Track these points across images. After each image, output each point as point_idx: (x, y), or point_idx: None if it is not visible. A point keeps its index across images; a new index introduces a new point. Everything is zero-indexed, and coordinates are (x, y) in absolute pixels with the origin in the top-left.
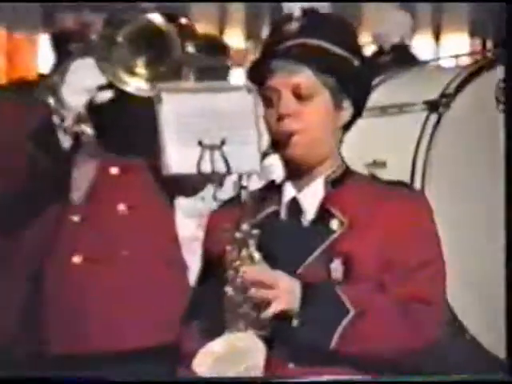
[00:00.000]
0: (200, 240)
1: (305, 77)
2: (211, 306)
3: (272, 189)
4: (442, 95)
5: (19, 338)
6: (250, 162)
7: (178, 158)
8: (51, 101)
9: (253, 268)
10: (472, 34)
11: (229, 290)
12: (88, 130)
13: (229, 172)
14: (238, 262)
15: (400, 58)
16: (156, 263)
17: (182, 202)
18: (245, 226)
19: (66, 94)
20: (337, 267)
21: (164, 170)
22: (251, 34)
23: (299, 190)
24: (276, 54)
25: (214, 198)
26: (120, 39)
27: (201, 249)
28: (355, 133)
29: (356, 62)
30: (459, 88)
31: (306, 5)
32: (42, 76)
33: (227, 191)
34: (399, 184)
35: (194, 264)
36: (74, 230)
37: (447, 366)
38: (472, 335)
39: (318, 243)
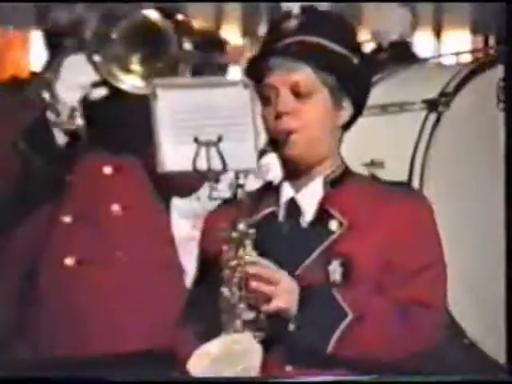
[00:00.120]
0: (196, 240)
1: (304, 74)
2: (207, 307)
3: (269, 190)
4: (442, 94)
5: (13, 339)
6: (247, 159)
7: (174, 155)
8: (46, 96)
9: (255, 263)
10: (474, 31)
11: (225, 290)
12: (82, 126)
13: (225, 169)
14: (234, 262)
15: (399, 55)
16: (151, 265)
17: (177, 203)
18: (241, 226)
19: (61, 89)
20: (335, 269)
21: (159, 167)
22: (248, 31)
23: (297, 190)
24: (274, 51)
25: (210, 196)
26: (115, 35)
27: (197, 249)
28: (352, 132)
29: (355, 60)
30: (459, 87)
31: (305, 4)
32: (34, 74)
33: (223, 191)
34: (400, 185)
35: (190, 265)
36: (66, 231)
37: (445, 370)
38: (470, 339)
39: (316, 244)
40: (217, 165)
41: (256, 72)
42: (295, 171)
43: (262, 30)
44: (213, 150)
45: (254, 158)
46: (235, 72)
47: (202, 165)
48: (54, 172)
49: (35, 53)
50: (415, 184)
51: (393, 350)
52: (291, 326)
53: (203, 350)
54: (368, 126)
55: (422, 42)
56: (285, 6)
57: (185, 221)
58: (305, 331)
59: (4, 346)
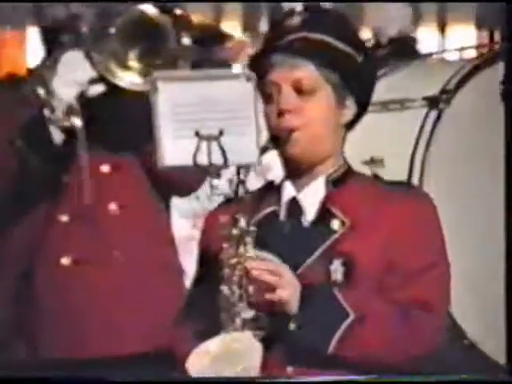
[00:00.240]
0: (196, 240)
1: (307, 71)
2: (206, 306)
3: (270, 189)
4: (443, 91)
5: (10, 338)
6: (248, 153)
7: (174, 150)
8: (41, 92)
9: (256, 259)
10: (479, 27)
11: (224, 288)
12: (79, 123)
13: (226, 164)
14: (234, 260)
15: (399, 51)
16: (149, 265)
17: (177, 202)
18: (242, 223)
19: (57, 85)
20: (337, 268)
21: (159, 161)
22: (248, 27)
23: (299, 189)
24: (277, 47)
25: (211, 193)
26: (112, 31)
27: (197, 248)
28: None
29: (359, 58)
30: (460, 84)
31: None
32: (31, 71)
33: (224, 188)
34: (403, 184)
35: (189, 264)
36: (62, 231)
37: (445, 370)
38: (471, 340)
39: (318, 244)
40: (218, 159)
41: (258, 69)
42: (297, 170)
43: (263, 26)
44: (214, 145)
45: (255, 152)
46: (236, 67)
47: (203, 159)
48: (50, 171)
49: (32, 50)
50: (415, 181)
51: (394, 352)
52: (292, 325)
53: (202, 348)
54: (368, 123)
55: (427, 38)
56: (286, 5)
57: (185, 220)
58: (306, 331)
59: (1, 346)
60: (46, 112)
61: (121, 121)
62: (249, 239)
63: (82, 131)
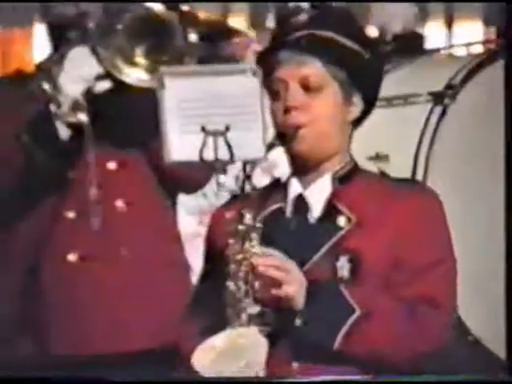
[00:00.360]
0: (202, 236)
1: (314, 68)
2: (213, 302)
3: (277, 186)
4: (448, 86)
5: (16, 334)
6: (255, 149)
7: (180, 145)
8: (47, 87)
9: (262, 255)
10: (486, 22)
11: (230, 284)
12: (85, 119)
13: (232, 159)
14: (240, 256)
15: (403, 47)
16: (156, 262)
17: (183, 199)
18: (248, 219)
19: (64, 81)
20: (343, 265)
21: (165, 157)
22: (255, 24)
23: (305, 186)
24: (284, 44)
25: (218, 189)
26: (119, 27)
27: (203, 245)
28: None
29: (367, 56)
30: (466, 79)
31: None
32: (37, 67)
33: (230, 184)
34: (409, 181)
35: (196, 261)
36: (69, 227)
37: (449, 367)
38: (475, 336)
39: (324, 240)
40: (224, 155)
41: (265, 65)
42: (303, 167)
43: (270, 22)
44: (220, 140)
45: (261, 147)
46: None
47: (209, 155)
48: (56, 166)
49: (39, 46)
50: (419, 177)
51: (400, 349)
52: (298, 321)
53: (208, 343)
54: (373, 119)
55: (434, 34)
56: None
57: (191, 217)
58: (311, 326)
59: (7, 341)
60: (53, 107)
61: (127, 117)
62: (255, 235)
63: (88, 127)
